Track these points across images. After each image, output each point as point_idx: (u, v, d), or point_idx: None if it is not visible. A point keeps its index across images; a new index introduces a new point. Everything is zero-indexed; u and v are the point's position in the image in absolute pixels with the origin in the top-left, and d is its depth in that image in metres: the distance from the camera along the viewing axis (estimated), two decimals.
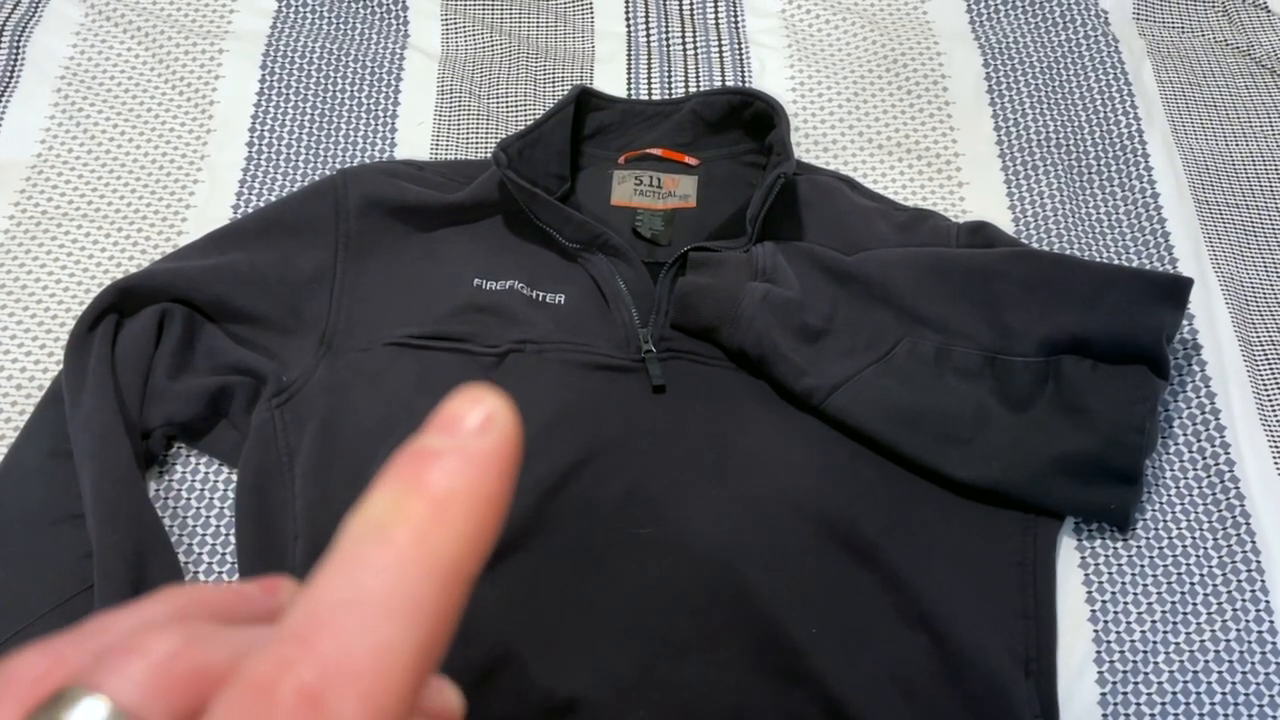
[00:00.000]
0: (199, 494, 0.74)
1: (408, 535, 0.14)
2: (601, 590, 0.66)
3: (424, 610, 0.14)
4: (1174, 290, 0.73)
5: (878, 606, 0.67)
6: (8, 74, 0.95)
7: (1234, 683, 0.68)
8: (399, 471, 0.15)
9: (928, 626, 0.66)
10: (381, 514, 0.15)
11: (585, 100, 0.85)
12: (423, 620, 0.14)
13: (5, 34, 0.97)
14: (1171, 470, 0.75)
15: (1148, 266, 0.85)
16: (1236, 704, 0.67)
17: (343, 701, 0.13)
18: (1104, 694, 0.67)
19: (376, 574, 0.14)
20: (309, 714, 0.13)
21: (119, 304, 0.74)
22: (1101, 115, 0.93)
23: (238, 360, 0.74)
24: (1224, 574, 0.71)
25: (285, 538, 0.69)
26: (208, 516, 0.74)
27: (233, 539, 0.72)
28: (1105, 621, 0.70)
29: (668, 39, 1.01)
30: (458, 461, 0.15)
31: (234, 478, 0.74)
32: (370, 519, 0.15)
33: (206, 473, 0.75)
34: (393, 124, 0.94)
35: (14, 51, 0.96)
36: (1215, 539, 0.72)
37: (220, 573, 0.72)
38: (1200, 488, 0.74)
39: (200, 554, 0.72)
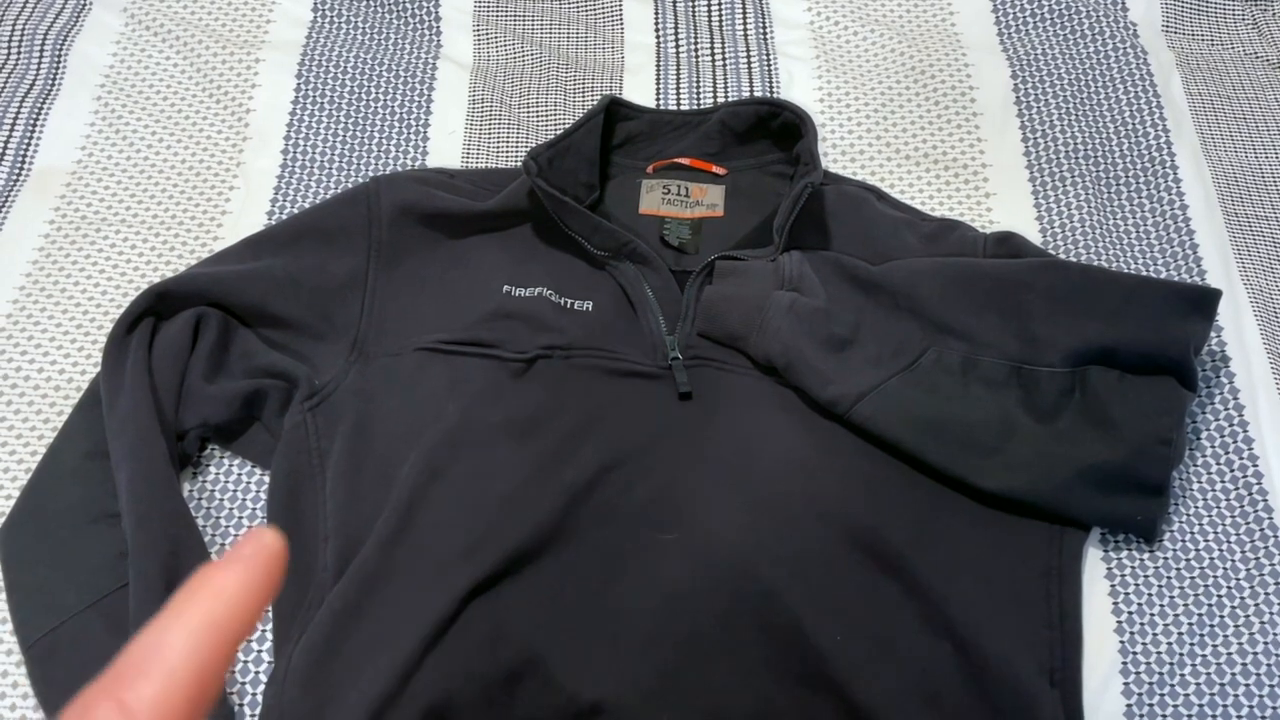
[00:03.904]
0: (232, 495, 0.76)
1: (195, 609, 0.22)
2: (627, 595, 0.67)
3: (201, 653, 0.22)
4: (1202, 302, 0.73)
5: (902, 615, 0.67)
6: (49, 82, 0.97)
7: (1262, 695, 0.67)
8: (198, 574, 0.23)
9: (952, 635, 0.66)
10: (182, 598, 0.22)
11: (614, 110, 0.86)
12: (200, 659, 0.22)
13: (47, 42, 0.99)
14: (1199, 482, 0.75)
15: (1176, 278, 0.85)
16: (1264, 716, 0.66)
17: (143, 710, 0.20)
18: (1130, 705, 0.67)
19: (173, 632, 0.22)
20: (118, 715, 0.20)
21: (156, 307, 0.76)
22: (1130, 127, 0.93)
23: (271, 364, 0.75)
24: (1252, 586, 0.71)
25: (316, 538, 0.70)
26: (240, 517, 0.75)
27: None
28: (1132, 633, 0.70)
29: (696, 50, 1.01)
30: (233, 568, 0.23)
31: (266, 479, 0.75)
32: (175, 600, 0.22)
33: (239, 474, 0.76)
34: (425, 132, 0.95)
35: (55, 59, 0.98)
36: (1243, 551, 0.72)
37: None
38: (1228, 499, 0.74)
39: None
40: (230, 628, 0.22)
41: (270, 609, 0.70)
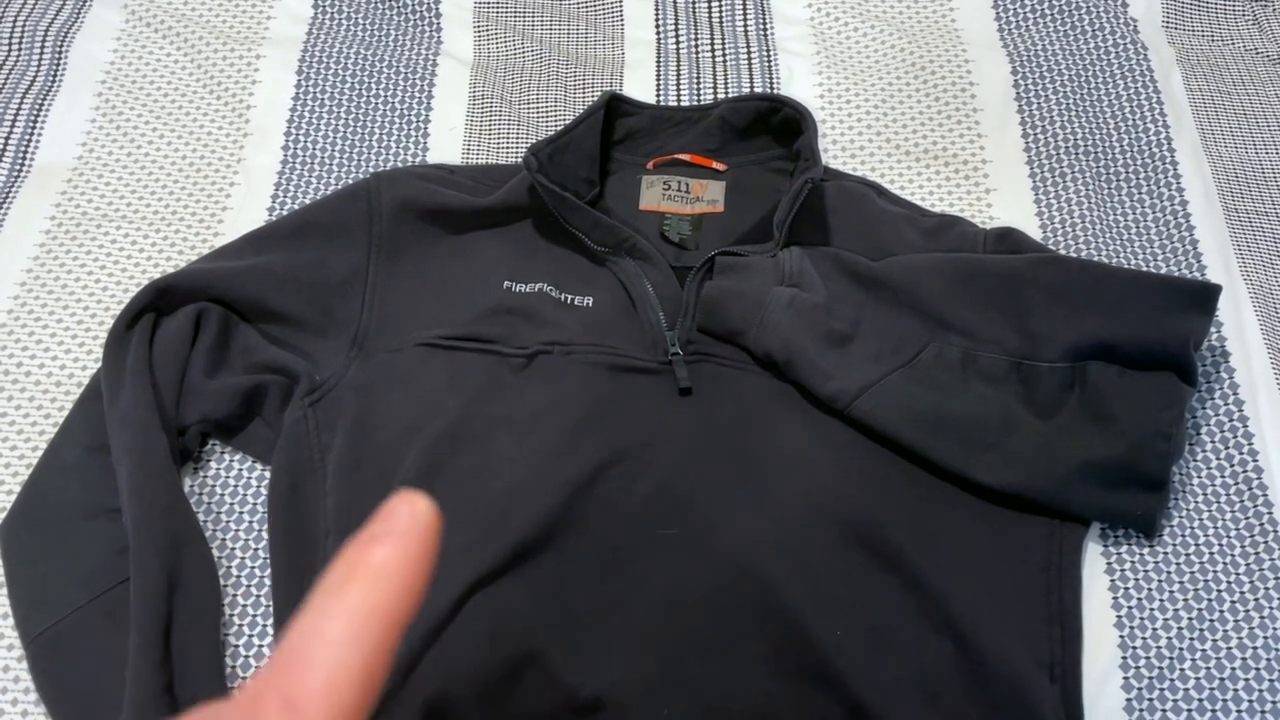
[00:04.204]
0: (233, 490, 0.76)
1: (354, 592, 0.21)
2: (627, 590, 0.67)
3: (365, 641, 0.21)
4: (1202, 296, 0.73)
5: (902, 610, 0.67)
6: (50, 78, 0.97)
7: (1261, 690, 0.67)
8: (352, 549, 0.22)
9: (952, 630, 0.66)
10: (338, 578, 0.22)
11: (615, 106, 0.86)
12: (364, 647, 0.21)
13: (48, 39, 0.99)
14: (1199, 477, 0.75)
15: (1176, 273, 0.85)
16: (1264, 711, 0.67)
17: (311, 704, 0.20)
18: (1129, 699, 0.67)
19: (334, 618, 0.21)
20: (289, 715, 0.20)
21: (157, 303, 0.76)
22: (1130, 123, 0.93)
23: (271, 359, 0.76)
24: (1251, 580, 0.71)
25: (317, 533, 0.70)
26: (241, 512, 0.75)
27: (265, 534, 0.73)
28: (1131, 627, 0.70)
29: (697, 46, 1.02)
30: (390, 543, 0.22)
31: (267, 474, 0.75)
32: (331, 580, 0.22)
33: (240, 469, 0.77)
34: (425, 128, 0.95)
35: (56, 56, 0.98)
36: (1243, 545, 0.72)
37: (252, 567, 0.73)
38: (1227, 494, 0.74)
39: (233, 549, 0.74)
40: (393, 611, 0.21)
41: (272, 603, 0.70)
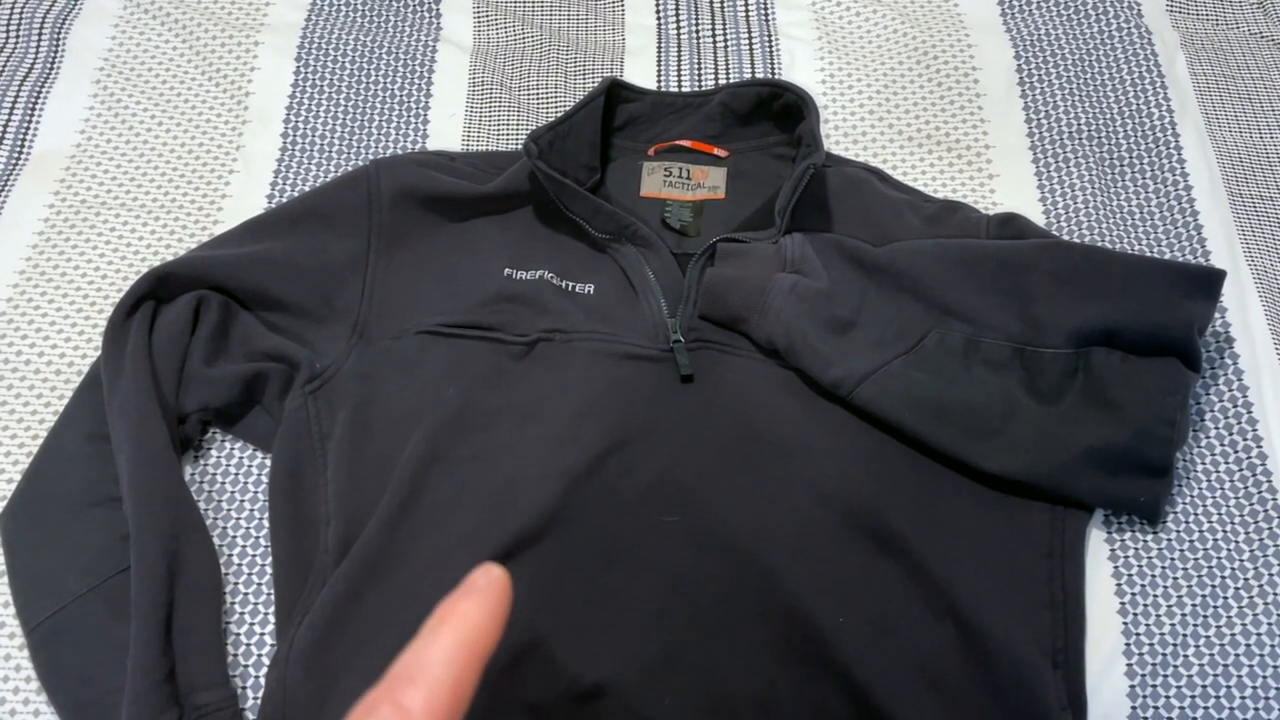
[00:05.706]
0: (233, 478, 0.76)
1: (447, 630, 0.28)
2: (629, 577, 0.67)
3: (455, 666, 0.27)
4: (1206, 282, 0.72)
5: (904, 596, 0.67)
6: (48, 65, 0.97)
7: (1265, 676, 0.67)
8: (446, 603, 0.29)
9: (954, 617, 0.66)
10: (435, 621, 0.28)
11: (615, 92, 0.86)
12: (454, 670, 0.27)
13: (46, 26, 0.99)
14: (1203, 463, 0.75)
15: (1180, 259, 0.84)
16: (1268, 698, 0.66)
17: (415, 708, 0.26)
18: (1133, 686, 0.67)
19: (434, 649, 0.27)
20: (397, 714, 0.26)
21: (156, 291, 0.76)
22: (1134, 108, 0.93)
23: (272, 347, 0.75)
24: (1255, 567, 0.71)
25: (317, 522, 0.70)
26: (241, 500, 0.75)
27: (266, 522, 0.73)
28: (1135, 614, 0.70)
29: (698, 31, 1.01)
30: (472, 598, 0.29)
31: (267, 463, 0.75)
32: (430, 624, 0.28)
33: (241, 457, 0.76)
34: (425, 115, 0.95)
35: (54, 43, 0.98)
36: (1247, 532, 0.72)
37: (253, 555, 0.73)
38: (1232, 480, 0.74)
39: (234, 537, 0.73)
40: (476, 646, 0.28)
41: (273, 591, 0.70)
